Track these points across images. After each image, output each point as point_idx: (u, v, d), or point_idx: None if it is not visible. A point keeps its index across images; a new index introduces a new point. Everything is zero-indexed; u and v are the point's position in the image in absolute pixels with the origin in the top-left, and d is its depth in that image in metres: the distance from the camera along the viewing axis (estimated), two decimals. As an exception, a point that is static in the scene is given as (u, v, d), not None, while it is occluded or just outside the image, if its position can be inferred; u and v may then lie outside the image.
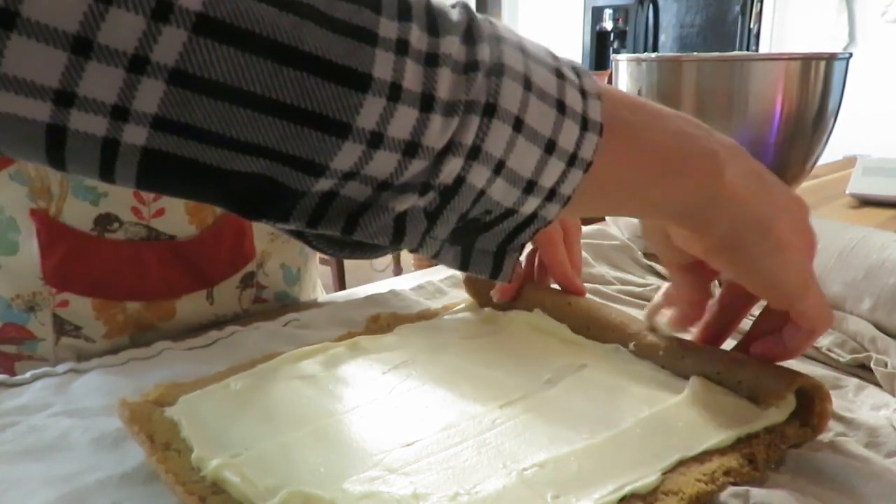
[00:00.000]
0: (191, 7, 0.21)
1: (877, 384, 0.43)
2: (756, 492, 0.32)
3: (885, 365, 0.44)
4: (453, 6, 0.27)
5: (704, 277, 0.41)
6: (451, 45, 0.25)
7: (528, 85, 0.27)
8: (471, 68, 0.25)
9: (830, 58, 0.69)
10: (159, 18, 0.21)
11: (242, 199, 0.25)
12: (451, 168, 0.26)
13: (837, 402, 0.40)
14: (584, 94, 0.29)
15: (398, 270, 2.93)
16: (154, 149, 0.23)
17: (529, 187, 0.28)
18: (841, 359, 0.46)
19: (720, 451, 0.34)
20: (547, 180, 0.28)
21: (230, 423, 0.37)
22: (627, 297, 0.59)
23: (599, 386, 0.41)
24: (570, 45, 4.37)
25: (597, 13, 4.23)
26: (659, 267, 0.65)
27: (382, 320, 0.51)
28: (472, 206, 0.28)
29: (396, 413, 0.38)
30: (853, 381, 0.43)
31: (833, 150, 0.90)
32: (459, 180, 0.26)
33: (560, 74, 0.28)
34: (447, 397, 0.40)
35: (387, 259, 3.02)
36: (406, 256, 2.89)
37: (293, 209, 0.25)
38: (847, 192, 0.97)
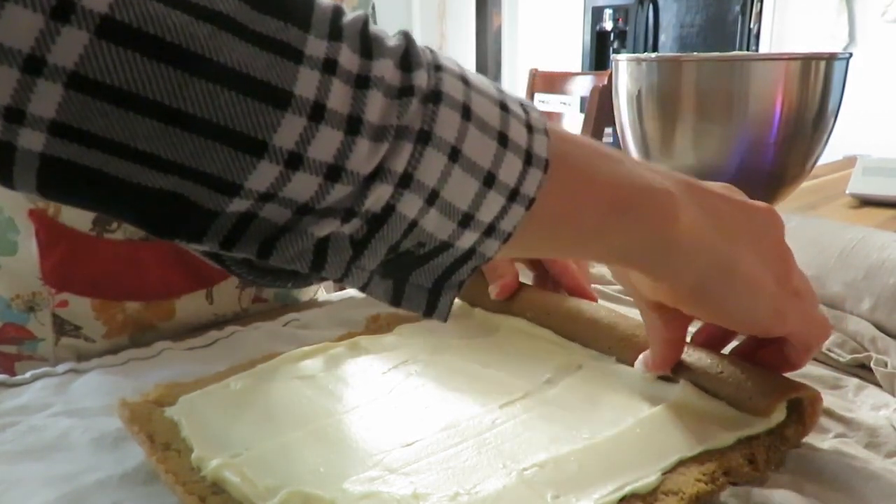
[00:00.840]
0: (95, 8, 0.20)
1: (877, 384, 0.43)
2: (756, 492, 0.32)
3: (885, 365, 0.44)
4: (394, 34, 0.26)
5: (681, 315, 0.38)
6: (385, 69, 0.24)
7: (466, 114, 0.26)
8: (405, 93, 0.24)
9: (830, 58, 0.69)
10: (59, 18, 0.19)
11: (152, 216, 0.23)
12: (379, 195, 0.24)
13: (837, 402, 0.40)
14: (530, 128, 0.27)
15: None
16: (53, 156, 0.21)
17: (466, 220, 0.27)
18: (841, 359, 0.46)
19: (720, 452, 0.34)
20: (485, 215, 0.27)
21: (230, 423, 0.37)
22: (627, 298, 0.59)
23: (599, 386, 0.41)
24: (570, 45, 4.37)
25: (597, 13, 4.23)
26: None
27: (382, 320, 0.51)
28: (402, 237, 0.26)
29: (396, 413, 0.38)
30: (853, 381, 0.43)
31: (833, 150, 0.90)
32: (389, 209, 0.25)
33: (504, 107, 0.27)
34: (447, 397, 0.40)
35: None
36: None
37: (207, 230, 0.23)
38: (847, 192, 0.97)
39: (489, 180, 0.26)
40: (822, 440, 0.37)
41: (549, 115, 2.90)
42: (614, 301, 0.58)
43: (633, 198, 0.30)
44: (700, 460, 0.34)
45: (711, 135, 0.71)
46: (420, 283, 0.29)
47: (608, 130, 1.97)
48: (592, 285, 0.60)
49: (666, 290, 0.35)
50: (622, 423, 0.36)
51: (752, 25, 3.60)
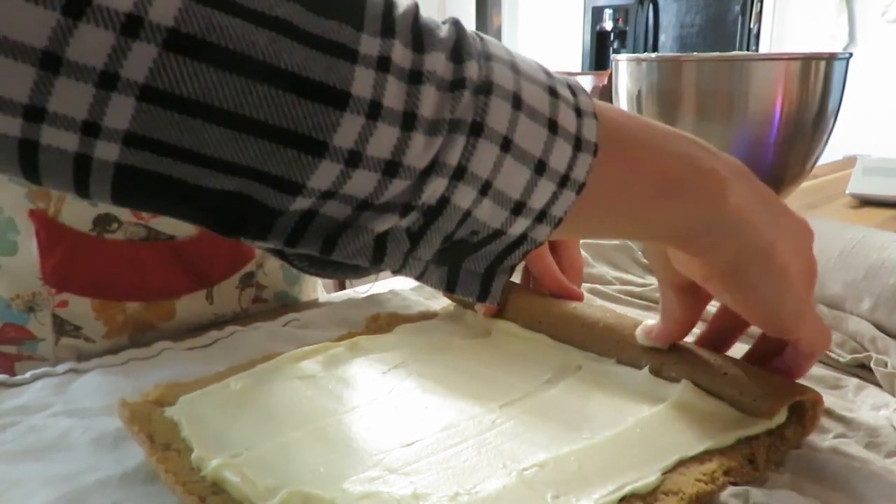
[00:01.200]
0: (162, 22, 0.20)
1: (877, 384, 0.43)
2: (756, 492, 0.32)
3: (885, 365, 0.44)
4: (444, 22, 0.26)
5: (699, 300, 0.39)
6: (437, 63, 0.24)
7: (517, 104, 0.26)
8: (457, 86, 0.25)
9: (830, 58, 0.69)
10: (129, 34, 0.20)
11: (219, 216, 0.24)
12: (435, 188, 0.25)
13: (837, 402, 0.40)
14: (579, 112, 0.28)
15: (398, 270, 2.93)
16: (126, 164, 0.22)
17: (518, 208, 0.27)
18: (841, 359, 0.46)
19: (720, 452, 0.34)
20: (537, 202, 0.27)
21: (230, 423, 0.37)
22: (627, 297, 0.59)
23: (599, 386, 0.41)
24: (570, 45, 4.37)
25: (597, 13, 4.23)
26: (659, 267, 0.65)
27: (382, 320, 0.51)
28: (457, 226, 0.27)
29: (396, 413, 0.38)
30: (853, 381, 0.43)
31: (833, 150, 0.90)
32: (444, 201, 0.26)
33: (554, 93, 0.27)
34: (447, 397, 0.40)
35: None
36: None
37: (271, 228, 0.24)
38: (847, 192, 0.97)
39: (540, 168, 0.27)
40: (822, 440, 0.37)
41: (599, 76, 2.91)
42: (614, 301, 0.58)
43: (681, 178, 0.31)
44: (700, 460, 0.34)
45: (711, 135, 0.71)
46: (473, 268, 0.29)
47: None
48: (593, 285, 0.60)
49: (700, 265, 0.34)
50: (622, 423, 0.36)
51: (752, 25, 3.60)
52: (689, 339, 0.42)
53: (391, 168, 0.24)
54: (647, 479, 0.32)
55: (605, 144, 0.28)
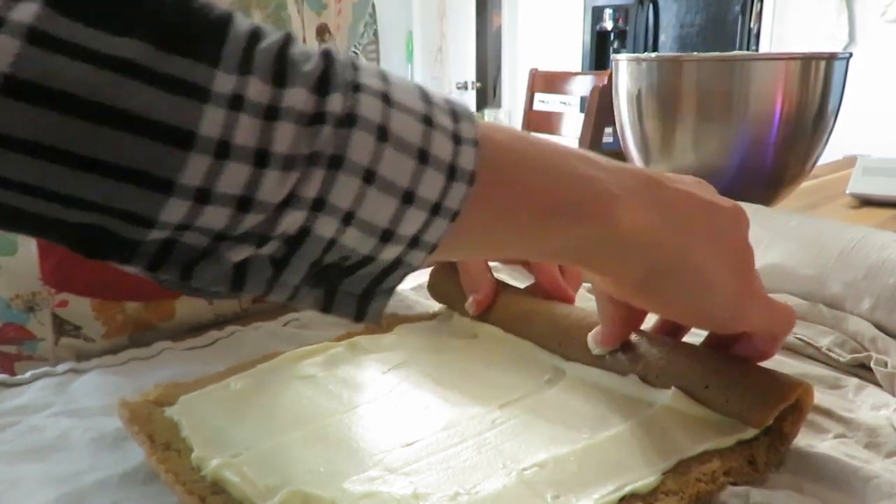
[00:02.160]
0: None
1: (877, 384, 0.43)
2: (756, 492, 0.32)
3: (885, 365, 0.44)
4: (316, 53, 0.25)
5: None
6: (296, 97, 0.24)
7: (383, 135, 0.25)
8: (317, 120, 0.24)
9: (830, 58, 0.69)
10: None
11: (81, 244, 0.24)
12: (292, 221, 0.25)
13: (837, 402, 0.40)
14: (458, 140, 0.27)
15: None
16: None
17: (387, 236, 0.27)
18: (841, 359, 0.46)
19: (720, 452, 0.34)
20: (407, 230, 0.27)
21: (230, 423, 0.37)
22: (627, 297, 0.59)
23: (599, 386, 0.40)
24: (570, 45, 4.37)
25: (597, 13, 4.23)
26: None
27: (382, 320, 0.51)
28: (323, 253, 0.27)
29: (396, 413, 0.38)
30: (853, 381, 0.43)
31: (833, 150, 0.90)
32: (304, 231, 0.25)
33: (429, 121, 0.27)
34: (447, 397, 0.40)
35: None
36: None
37: (133, 255, 0.25)
38: (847, 192, 0.97)
39: (408, 198, 0.26)
40: (822, 440, 0.37)
41: (549, 115, 2.90)
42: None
43: (567, 202, 0.30)
44: (700, 460, 0.34)
45: (711, 135, 0.71)
46: (350, 290, 0.29)
47: (608, 130, 1.97)
48: (590, 285, 0.60)
49: (611, 284, 0.35)
50: (622, 423, 0.36)
51: (752, 25, 3.60)
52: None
53: (244, 203, 0.24)
54: (647, 479, 0.32)
55: (487, 170, 0.28)
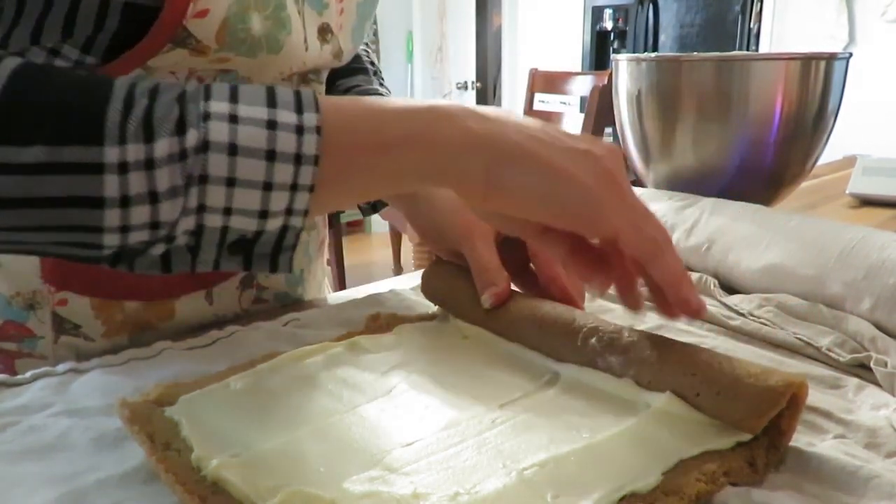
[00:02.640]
0: None
1: (877, 384, 0.43)
2: (756, 492, 0.32)
3: (885, 365, 0.44)
4: (174, 99, 0.33)
5: (488, 242, 0.48)
6: (163, 147, 0.32)
7: (233, 150, 0.33)
8: (182, 156, 0.33)
9: (830, 58, 0.69)
10: None
11: (61, 257, 0.35)
12: (187, 224, 0.34)
13: (837, 403, 0.40)
14: (300, 131, 0.34)
15: (398, 270, 2.93)
16: None
17: (264, 214, 0.35)
18: (841, 359, 0.46)
19: (720, 453, 0.34)
20: (277, 206, 0.35)
21: (230, 423, 0.37)
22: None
23: (599, 386, 0.40)
24: (570, 45, 4.37)
25: (597, 13, 4.22)
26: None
27: (382, 320, 0.51)
28: (222, 236, 0.35)
29: (396, 413, 0.38)
30: (853, 381, 0.43)
31: (833, 150, 0.90)
32: (200, 227, 0.34)
33: (273, 125, 0.34)
34: (447, 397, 0.40)
35: (388, 261, 3.01)
36: (406, 256, 2.89)
37: (98, 260, 0.35)
38: (847, 192, 0.97)
39: (268, 186, 0.34)
40: (822, 440, 0.37)
41: (549, 115, 2.90)
42: (614, 300, 0.58)
43: (398, 136, 0.36)
44: (700, 461, 0.34)
45: (711, 135, 0.71)
46: (262, 252, 0.37)
47: (608, 130, 1.97)
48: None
49: (470, 197, 0.38)
50: (622, 423, 0.36)
51: (752, 25, 3.60)
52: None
53: (153, 225, 0.34)
54: (647, 479, 0.32)
55: (333, 142, 0.35)
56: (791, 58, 0.68)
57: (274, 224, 0.35)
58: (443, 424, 0.37)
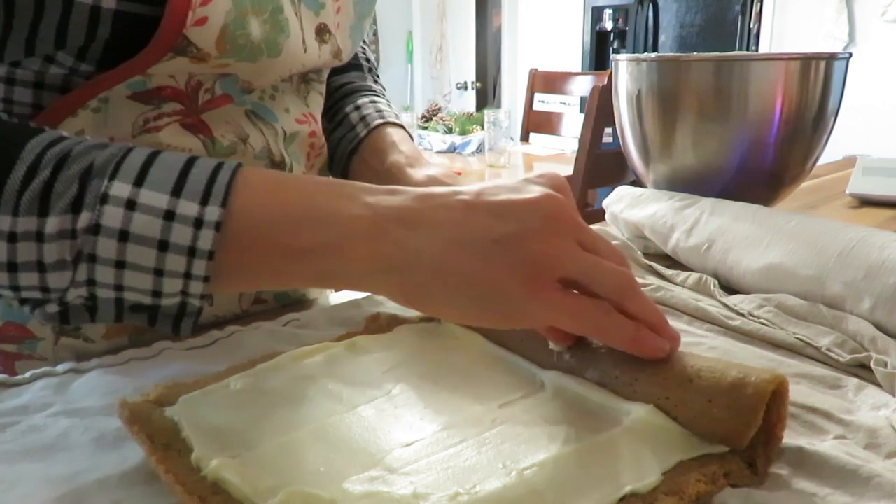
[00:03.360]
0: None
1: (877, 384, 0.43)
2: (756, 493, 0.32)
3: (885, 365, 0.44)
4: (78, 176, 0.34)
5: None
6: (54, 224, 0.34)
7: (123, 237, 0.34)
8: (73, 235, 0.34)
9: (830, 58, 0.69)
10: None
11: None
12: (79, 292, 0.36)
13: (837, 403, 0.40)
14: (199, 224, 0.34)
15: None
16: None
17: (157, 294, 0.36)
18: (841, 359, 0.46)
19: (720, 454, 0.34)
20: (171, 289, 0.35)
21: (230, 423, 0.37)
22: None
23: (599, 386, 0.40)
24: (570, 45, 4.37)
25: (597, 13, 4.22)
26: (659, 267, 0.65)
27: (382, 320, 0.51)
28: (117, 305, 0.37)
29: (396, 413, 0.38)
30: (853, 381, 0.43)
31: (833, 150, 0.90)
32: (92, 296, 0.36)
33: (170, 216, 0.34)
34: (447, 397, 0.40)
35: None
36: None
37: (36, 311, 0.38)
38: (847, 192, 0.97)
39: (159, 272, 0.35)
40: (822, 440, 0.37)
41: (549, 115, 2.90)
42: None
43: (309, 244, 0.35)
44: (700, 461, 0.34)
45: (711, 135, 0.71)
46: (165, 314, 0.38)
47: (608, 130, 1.97)
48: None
49: (392, 296, 0.37)
50: (623, 423, 0.36)
51: (752, 25, 3.60)
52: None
53: (44, 290, 0.36)
54: (647, 479, 0.32)
55: (235, 240, 0.35)
56: (791, 58, 0.68)
57: (170, 301, 0.36)
58: (442, 424, 0.37)
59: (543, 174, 0.40)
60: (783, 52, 0.65)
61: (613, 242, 0.69)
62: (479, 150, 2.65)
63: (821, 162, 0.80)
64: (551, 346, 0.41)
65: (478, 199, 0.36)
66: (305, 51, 0.55)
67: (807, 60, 0.68)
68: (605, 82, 1.93)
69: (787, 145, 0.70)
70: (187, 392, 0.39)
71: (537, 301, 0.35)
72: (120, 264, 0.34)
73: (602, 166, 1.97)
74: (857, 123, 2.82)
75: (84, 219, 0.34)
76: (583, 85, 2.79)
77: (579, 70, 4.11)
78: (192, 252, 0.34)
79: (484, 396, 0.39)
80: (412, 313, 0.52)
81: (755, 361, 0.46)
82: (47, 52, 0.46)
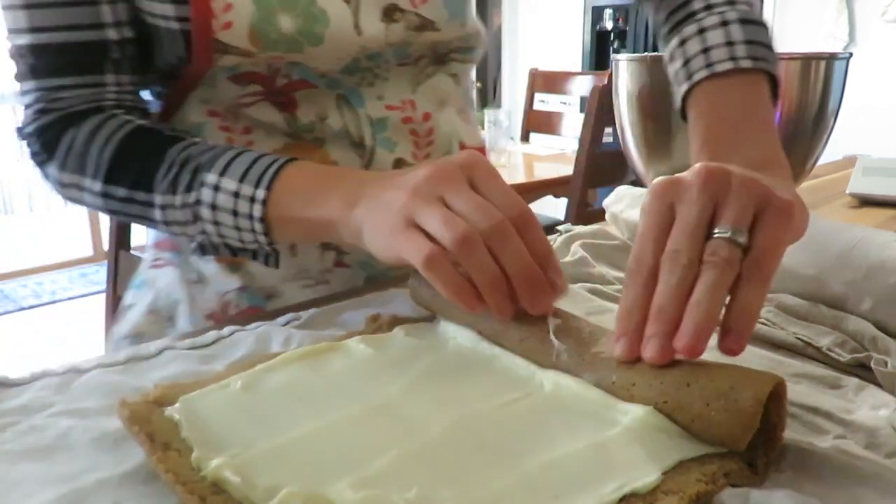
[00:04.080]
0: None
1: (877, 384, 0.43)
2: (756, 492, 0.32)
3: (886, 365, 0.44)
4: (190, 168, 0.55)
5: None
6: (179, 199, 0.55)
7: (213, 207, 0.53)
8: (187, 205, 0.54)
9: (830, 58, 0.69)
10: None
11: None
12: (202, 238, 0.56)
13: (837, 403, 0.40)
14: (252, 201, 0.52)
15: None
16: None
17: (241, 241, 0.54)
18: (841, 359, 0.46)
19: (720, 455, 0.34)
20: (248, 238, 0.54)
21: (230, 423, 0.37)
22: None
23: (582, 394, 0.40)
24: (570, 45, 4.37)
25: (597, 13, 4.22)
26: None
27: (382, 320, 0.51)
28: (225, 246, 0.56)
29: (396, 413, 0.38)
30: (853, 381, 0.43)
31: (833, 150, 0.90)
32: (209, 240, 0.56)
33: (236, 194, 0.52)
34: (447, 397, 0.40)
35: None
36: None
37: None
38: (847, 192, 0.97)
39: (237, 228, 0.53)
40: (823, 440, 0.37)
41: (549, 115, 2.90)
42: (614, 300, 0.58)
43: (318, 222, 0.51)
44: (700, 461, 0.34)
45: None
46: (259, 252, 0.56)
47: (608, 130, 1.97)
48: (593, 285, 0.60)
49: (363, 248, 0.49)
50: (622, 423, 0.36)
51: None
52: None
53: (188, 237, 0.57)
54: (647, 478, 0.32)
55: (272, 210, 0.52)
56: (791, 58, 0.68)
57: (252, 245, 0.55)
58: (443, 424, 0.37)
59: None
60: (783, 52, 0.65)
61: (613, 243, 0.69)
62: (480, 150, 2.64)
63: (821, 162, 0.80)
64: (551, 338, 0.41)
65: (398, 177, 0.46)
66: (360, 34, 0.59)
67: (807, 60, 0.68)
68: (605, 82, 1.93)
69: (787, 145, 0.70)
70: (187, 392, 0.39)
71: (394, 240, 0.43)
72: (216, 223, 0.54)
73: (602, 166, 1.96)
74: (857, 123, 2.81)
75: (193, 196, 0.54)
76: (583, 85, 2.79)
77: (579, 70, 4.10)
78: (250, 217, 0.52)
79: (483, 396, 0.39)
80: (412, 314, 0.52)
81: (755, 361, 0.46)
82: (161, 68, 0.62)
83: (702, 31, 0.56)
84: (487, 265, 0.40)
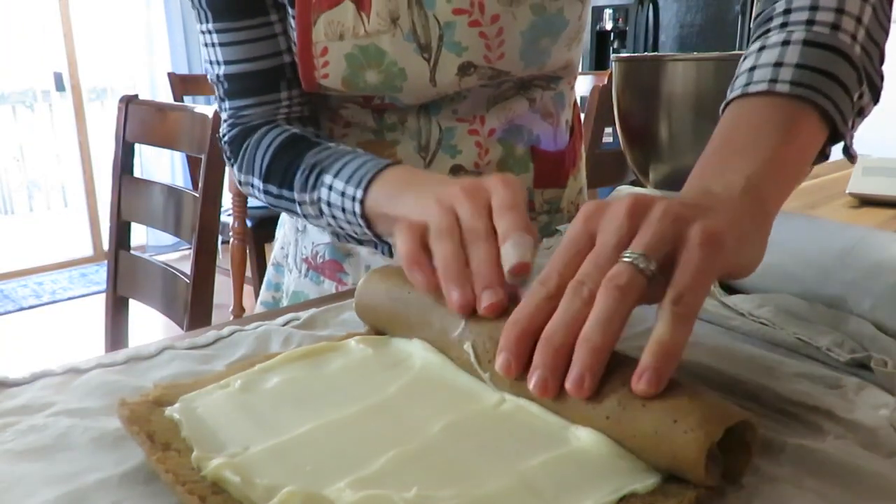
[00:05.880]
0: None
1: (877, 384, 0.43)
2: (756, 492, 0.32)
3: (885, 365, 0.44)
4: (314, 174, 0.66)
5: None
6: (308, 196, 0.66)
7: (328, 203, 0.64)
8: (313, 202, 0.65)
9: (830, 58, 0.69)
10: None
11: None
12: (330, 229, 0.69)
13: (837, 403, 0.40)
14: (354, 199, 0.61)
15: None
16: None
17: (355, 231, 0.64)
18: (841, 359, 0.46)
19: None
20: (358, 230, 0.63)
21: (230, 423, 0.37)
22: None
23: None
24: (570, 45, 4.37)
25: (597, 13, 4.22)
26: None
27: (382, 320, 0.51)
28: (347, 236, 0.67)
29: (396, 413, 0.38)
30: (853, 381, 0.43)
31: (833, 150, 0.90)
32: (335, 230, 0.67)
33: (343, 194, 0.62)
34: (447, 396, 0.40)
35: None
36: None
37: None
38: (847, 191, 0.97)
39: (348, 222, 0.63)
40: (822, 440, 0.37)
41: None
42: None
43: (387, 213, 0.58)
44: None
45: (711, 135, 0.71)
46: (372, 241, 0.66)
47: (608, 130, 1.97)
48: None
49: None
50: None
51: (752, 25, 3.60)
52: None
53: (324, 226, 0.70)
54: (647, 479, 0.32)
55: (367, 207, 0.60)
56: (791, 58, 0.68)
57: (364, 237, 0.65)
58: (443, 424, 0.37)
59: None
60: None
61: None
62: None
63: (820, 162, 0.80)
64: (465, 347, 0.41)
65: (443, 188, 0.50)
66: (435, 85, 0.71)
67: (807, 60, 0.68)
68: (605, 82, 1.93)
69: (787, 145, 0.70)
70: (187, 392, 0.39)
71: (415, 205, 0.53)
72: (333, 217, 0.64)
73: (602, 166, 1.96)
74: (857, 123, 2.80)
75: (316, 194, 0.65)
76: (583, 85, 2.78)
77: (579, 70, 4.10)
78: (353, 213, 0.61)
79: (483, 396, 0.39)
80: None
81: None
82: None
83: (762, 48, 0.53)
84: (455, 251, 0.43)
